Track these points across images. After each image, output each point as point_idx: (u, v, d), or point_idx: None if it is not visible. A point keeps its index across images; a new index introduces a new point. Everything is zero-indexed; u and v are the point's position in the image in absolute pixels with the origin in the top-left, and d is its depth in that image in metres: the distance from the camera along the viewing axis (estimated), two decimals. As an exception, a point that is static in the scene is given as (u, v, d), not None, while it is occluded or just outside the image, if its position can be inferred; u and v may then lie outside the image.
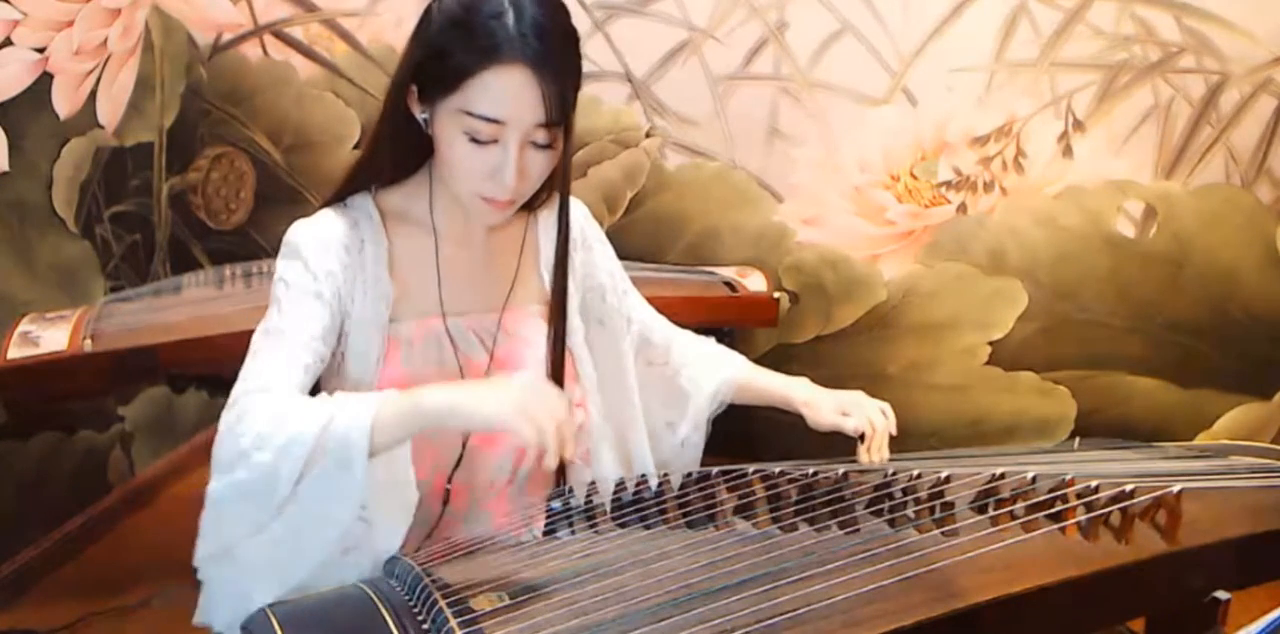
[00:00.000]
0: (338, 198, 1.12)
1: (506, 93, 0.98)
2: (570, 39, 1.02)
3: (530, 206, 1.18)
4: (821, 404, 1.26)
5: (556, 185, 1.14)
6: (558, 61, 0.99)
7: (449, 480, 1.12)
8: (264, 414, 0.95)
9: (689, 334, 1.38)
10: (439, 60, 1.00)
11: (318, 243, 1.07)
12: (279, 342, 1.03)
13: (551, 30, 0.98)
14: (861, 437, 1.22)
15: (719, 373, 1.33)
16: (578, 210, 1.25)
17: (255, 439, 0.94)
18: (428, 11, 1.03)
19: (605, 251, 1.28)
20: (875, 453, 1.21)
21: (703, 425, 1.34)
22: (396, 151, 1.10)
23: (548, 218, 1.20)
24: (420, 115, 1.05)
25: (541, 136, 1.01)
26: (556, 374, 1.15)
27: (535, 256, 1.20)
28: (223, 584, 1.05)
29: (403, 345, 1.10)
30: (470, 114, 0.99)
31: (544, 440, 0.90)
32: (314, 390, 1.12)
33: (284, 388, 0.99)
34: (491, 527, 1.12)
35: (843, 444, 1.24)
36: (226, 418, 0.98)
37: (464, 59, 0.98)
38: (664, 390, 1.33)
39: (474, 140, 1.00)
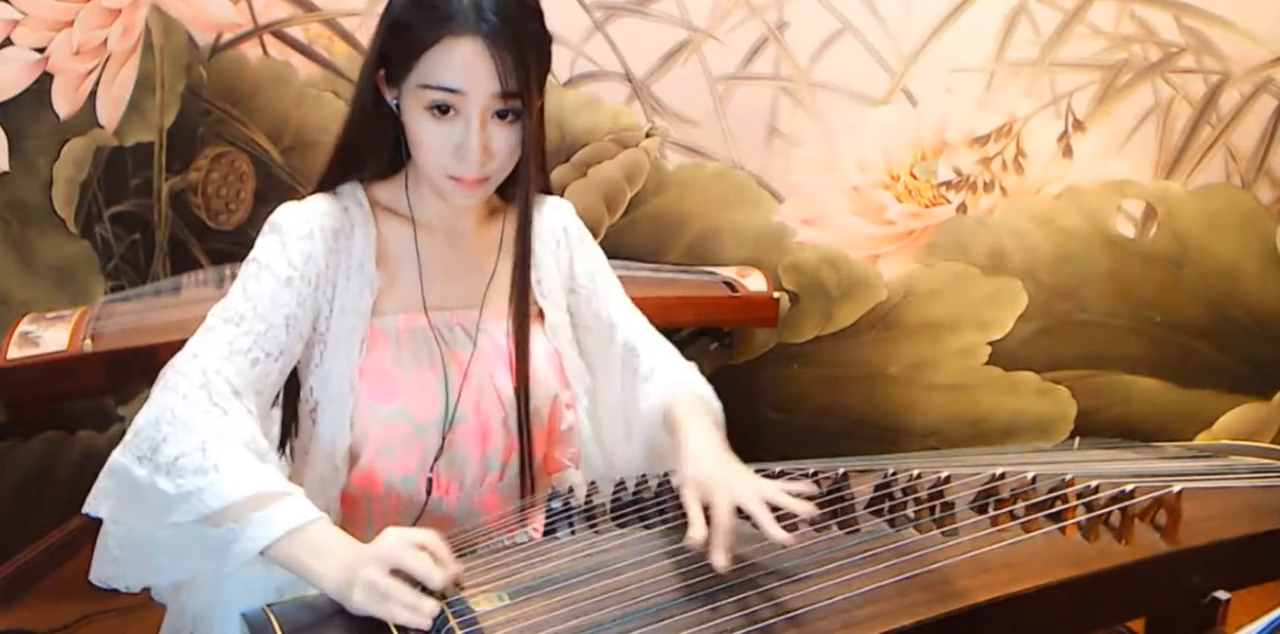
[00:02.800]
0: (323, 189, 1.12)
1: (461, 62, 0.99)
2: (529, 11, 1.03)
3: (513, 200, 1.17)
4: (693, 478, 0.99)
5: (534, 176, 1.12)
6: (513, 32, 0.99)
7: (431, 470, 1.12)
8: (197, 444, 0.92)
9: (665, 348, 1.24)
10: (399, 37, 1.01)
11: (303, 225, 1.07)
12: (235, 329, 1.02)
13: (507, 3, 1.00)
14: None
15: (666, 396, 1.16)
16: (563, 210, 1.25)
17: (173, 463, 0.92)
18: None
19: (587, 254, 1.25)
20: (716, 551, 0.91)
21: (640, 449, 1.20)
22: (372, 140, 1.10)
23: (536, 214, 1.19)
24: (392, 100, 1.06)
25: (502, 106, 1.01)
26: (520, 370, 1.14)
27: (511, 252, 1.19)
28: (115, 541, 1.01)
29: (390, 338, 1.10)
30: (429, 87, 1.00)
31: (401, 615, 0.85)
32: (290, 386, 1.12)
33: (231, 391, 0.97)
34: (485, 525, 1.12)
35: (843, 444, 1.24)
36: (160, 403, 0.96)
37: (420, 32, 0.99)
38: (627, 405, 1.24)
39: (437, 112, 1.01)
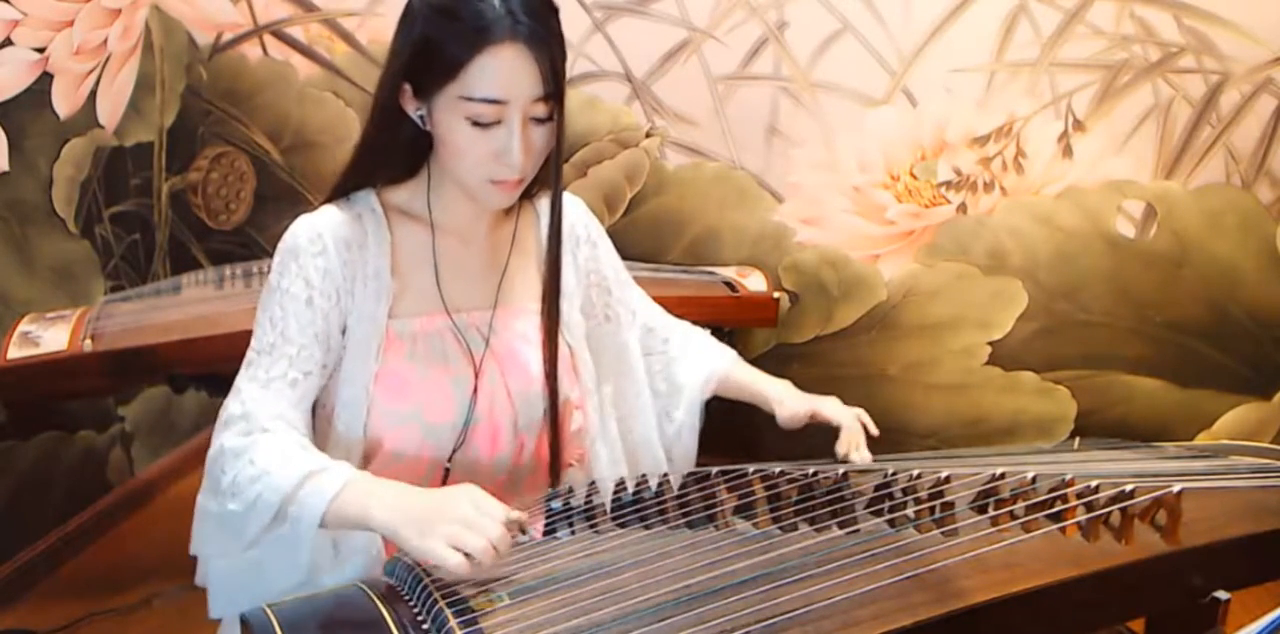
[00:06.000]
0: (336, 197, 1.12)
1: (504, 72, 0.98)
2: (552, 10, 1.03)
3: (528, 196, 1.18)
4: (795, 400, 1.27)
5: (550, 175, 1.13)
6: (546, 35, 1.00)
7: (449, 461, 1.13)
8: (246, 461, 0.99)
9: (685, 324, 1.40)
10: (430, 52, 1.00)
11: (315, 242, 1.07)
12: (269, 358, 1.05)
13: (535, 5, 1.00)
14: (838, 431, 1.23)
15: (711, 364, 1.35)
16: (577, 207, 1.26)
17: (232, 485, 0.99)
18: (408, 9, 1.03)
19: (607, 246, 1.29)
20: (855, 450, 1.20)
21: (696, 413, 1.35)
22: (390, 152, 1.10)
23: (544, 211, 1.20)
24: (416, 113, 1.05)
25: (541, 110, 1.02)
26: (550, 372, 1.15)
27: (531, 252, 1.20)
28: (221, 579, 1.10)
29: (406, 342, 1.11)
30: (471, 99, 0.99)
31: (468, 565, 0.88)
32: None
33: (272, 414, 1.03)
34: None
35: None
36: (215, 444, 1.03)
37: (457, 46, 0.98)
38: (661, 380, 1.35)
39: (477, 124, 1.01)
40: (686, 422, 1.35)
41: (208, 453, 1.04)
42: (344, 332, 1.10)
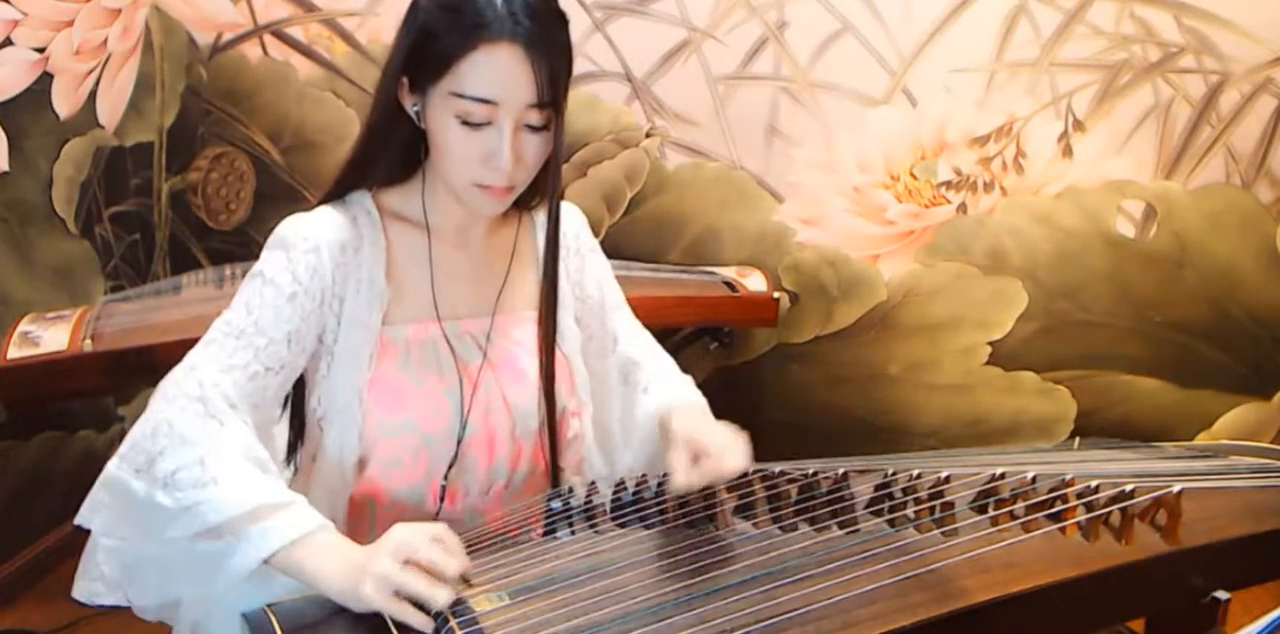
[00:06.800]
0: (334, 196, 1.11)
1: (497, 72, 0.97)
2: (560, 21, 1.02)
3: (526, 207, 1.17)
4: (677, 441, 1.05)
5: (549, 184, 1.12)
6: (548, 41, 0.98)
7: (445, 478, 1.12)
8: (195, 458, 0.92)
9: (670, 369, 1.26)
10: (428, 44, 0.99)
11: (309, 240, 1.05)
12: (235, 342, 1.01)
13: (541, 10, 0.98)
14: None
15: (660, 414, 1.18)
16: (574, 216, 1.24)
17: (171, 477, 0.91)
18: (414, 2, 1.02)
19: (597, 261, 1.26)
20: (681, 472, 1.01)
21: (639, 457, 1.22)
22: (389, 148, 1.09)
23: (542, 221, 1.18)
24: (412, 108, 1.04)
25: (534, 118, 1.00)
26: (548, 380, 1.14)
27: (529, 260, 1.19)
28: (100, 558, 1.01)
29: (400, 348, 1.09)
30: (462, 96, 0.98)
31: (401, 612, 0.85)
32: (299, 392, 1.12)
33: (227, 403, 0.97)
34: (485, 527, 1.12)
35: (843, 444, 1.24)
36: (159, 414, 0.96)
37: (453, 40, 0.97)
38: (624, 415, 1.28)
39: (467, 123, 0.99)
40: (636, 459, 1.23)
41: (143, 420, 0.96)
42: (324, 338, 1.07)
